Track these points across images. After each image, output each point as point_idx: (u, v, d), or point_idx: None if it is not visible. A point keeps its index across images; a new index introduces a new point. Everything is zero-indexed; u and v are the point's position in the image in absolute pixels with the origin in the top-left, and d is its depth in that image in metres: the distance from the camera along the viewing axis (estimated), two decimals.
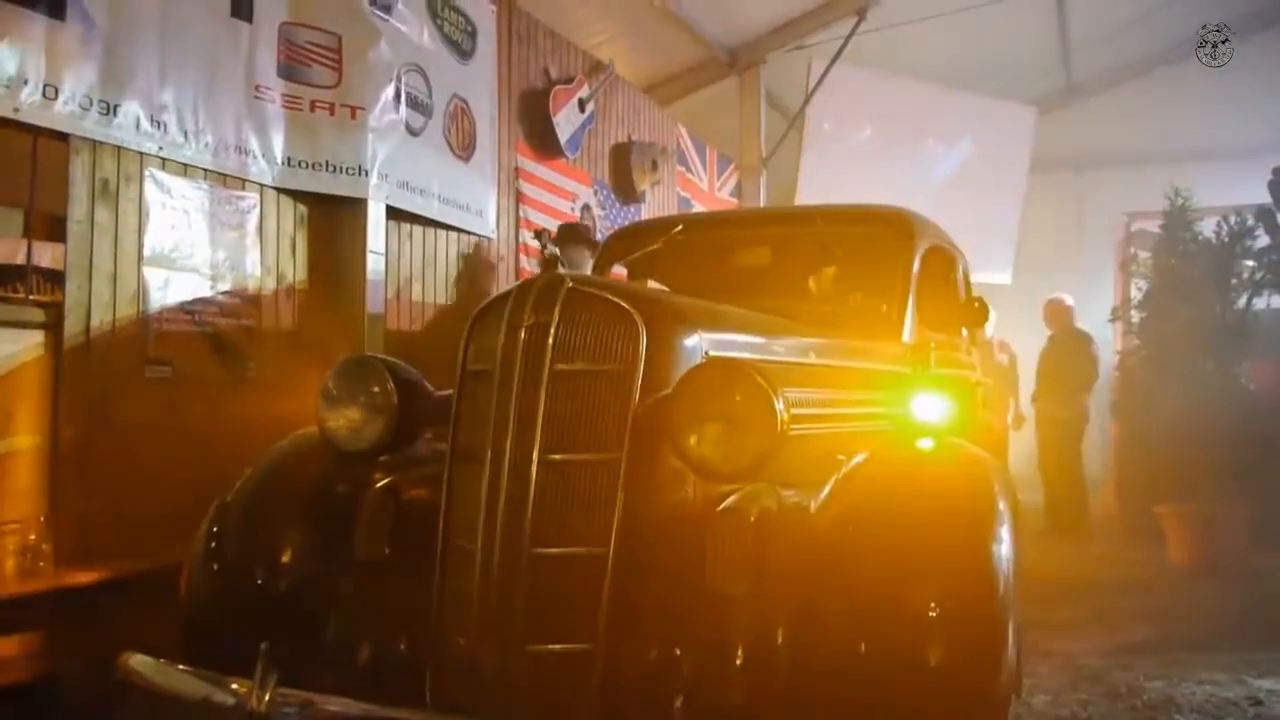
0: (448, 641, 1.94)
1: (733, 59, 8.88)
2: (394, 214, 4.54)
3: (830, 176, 9.15)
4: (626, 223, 6.36)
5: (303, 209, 4.19)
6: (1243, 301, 6.84)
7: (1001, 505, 1.94)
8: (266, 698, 1.74)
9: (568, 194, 6.27)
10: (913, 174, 9.97)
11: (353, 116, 4.22)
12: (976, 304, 3.67)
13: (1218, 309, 6.70)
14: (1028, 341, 8.14)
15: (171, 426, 3.53)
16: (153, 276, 3.52)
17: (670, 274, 3.95)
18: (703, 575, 1.87)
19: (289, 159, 4.05)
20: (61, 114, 3.18)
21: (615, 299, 1.98)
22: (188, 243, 3.66)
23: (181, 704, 1.87)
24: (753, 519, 1.89)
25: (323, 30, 4.16)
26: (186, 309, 3.65)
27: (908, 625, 1.74)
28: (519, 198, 5.69)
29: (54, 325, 3.20)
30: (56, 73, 3.16)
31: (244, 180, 3.89)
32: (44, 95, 3.13)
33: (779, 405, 1.85)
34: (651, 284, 3.91)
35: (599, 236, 6.02)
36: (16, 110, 3.06)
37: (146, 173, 3.49)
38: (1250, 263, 6.89)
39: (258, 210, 3.97)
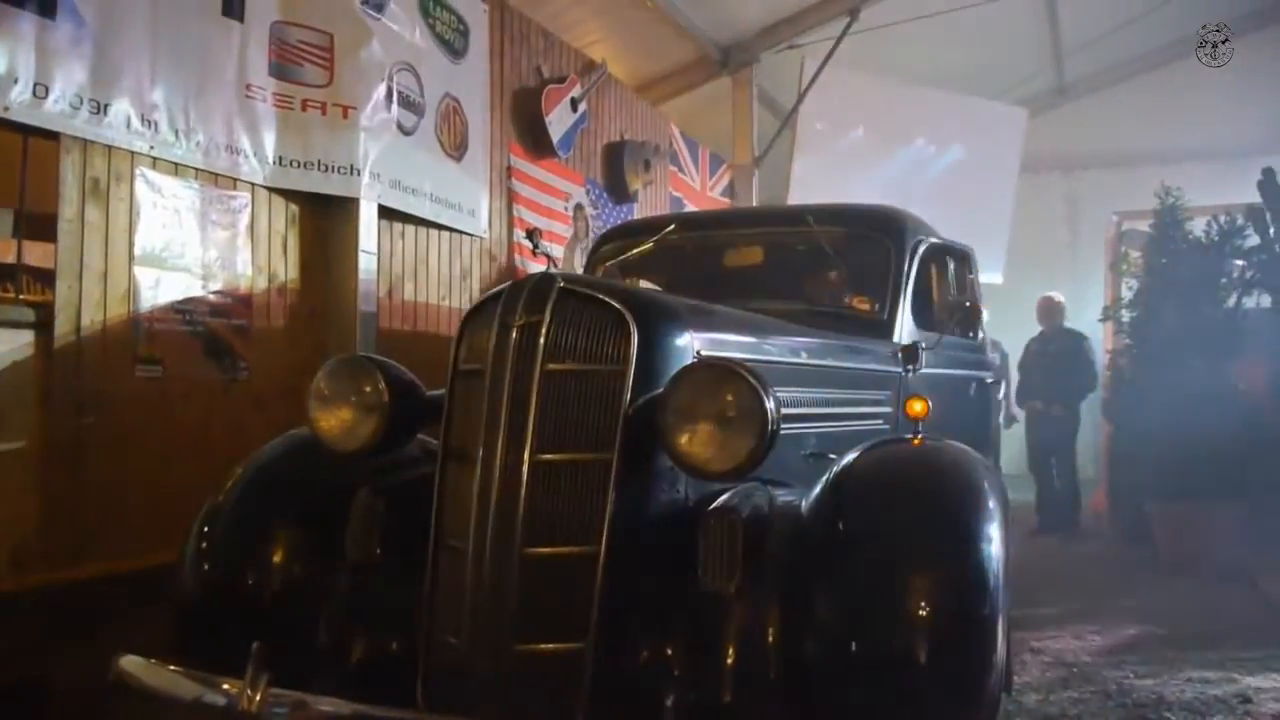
0: (439, 641, 1.94)
1: (725, 58, 8.88)
2: (386, 213, 4.53)
3: (823, 176, 9.17)
4: (618, 222, 6.35)
5: (294, 208, 4.18)
6: (1232, 301, 6.87)
7: (992, 503, 1.94)
8: (258, 698, 1.74)
9: (560, 193, 6.27)
10: (904, 174, 10.00)
11: (344, 116, 4.21)
12: (968, 304, 3.67)
13: (1207, 308, 6.72)
14: (1019, 341, 8.16)
15: (162, 426, 3.53)
16: (144, 276, 3.51)
17: (662, 274, 3.98)
18: (694, 575, 1.88)
19: (280, 158, 4.04)
20: (52, 113, 3.17)
21: (607, 298, 1.99)
22: (179, 242, 3.66)
23: (173, 704, 1.87)
24: (744, 518, 1.90)
25: (314, 29, 4.15)
26: (178, 308, 3.65)
27: (898, 624, 1.74)
28: (511, 197, 5.68)
29: (44, 325, 3.19)
30: (47, 71, 3.15)
31: (235, 179, 3.88)
32: (34, 94, 3.11)
33: (770, 405, 1.85)
34: (643, 284, 3.93)
35: (591, 236, 6.03)
36: (6, 109, 3.04)
37: (137, 172, 3.48)
38: (1240, 262, 6.92)
39: (249, 210, 3.96)
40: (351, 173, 4.23)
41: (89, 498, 3.27)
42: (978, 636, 1.75)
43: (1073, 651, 4.28)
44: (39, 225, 3.29)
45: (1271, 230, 6.82)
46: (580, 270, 5.13)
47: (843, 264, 3.64)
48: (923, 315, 3.63)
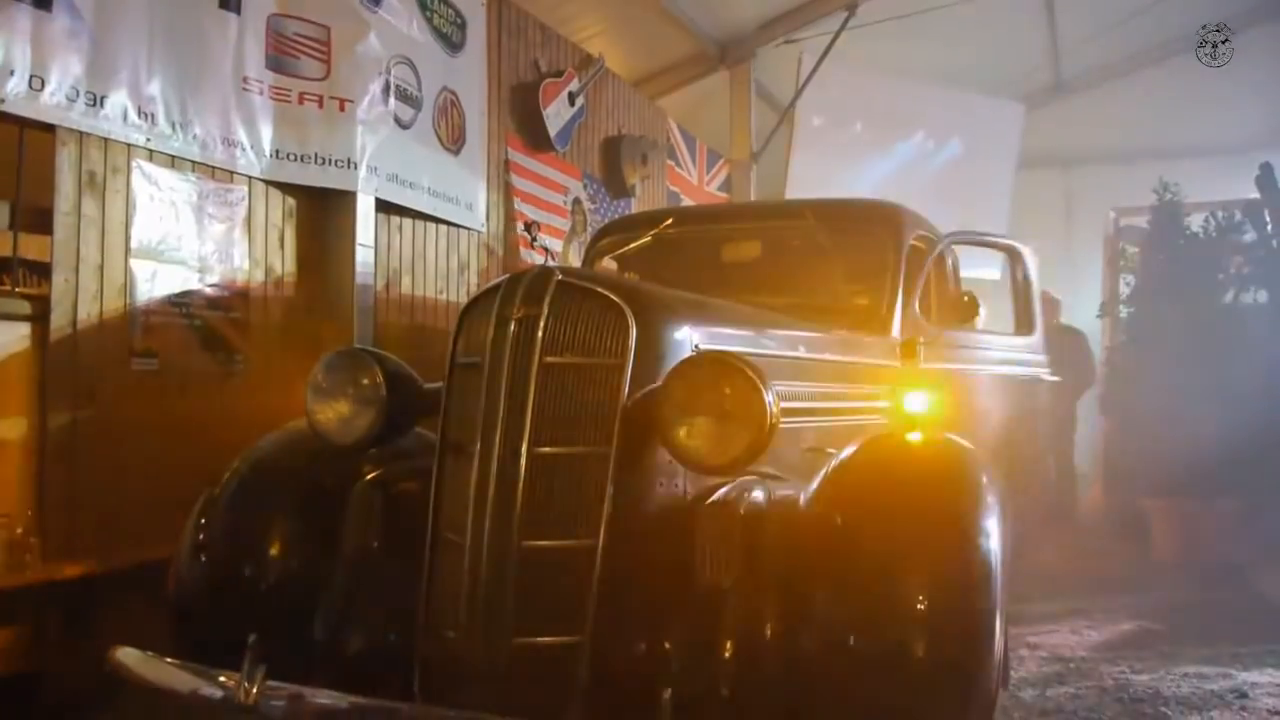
0: (436, 634, 1.94)
1: (723, 53, 8.87)
2: (383, 207, 4.52)
3: (820, 171, 9.15)
4: (615, 217, 6.35)
5: (291, 201, 4.17)
6: (1230, 296, 6.88)
7: (990, 499, 1.94)
8: (255, 690, 1.74)
9: (558, 187, 6.26)
10: (902, 169, 10.00)
11: (341, 109, 4.20)
12: (965, 298, 3.67)
13: (1205, 304, 6.72)
14: None
15: (158, 419, 3.52)
16: (140, 269, 3.50)
17: (660, 268, 3.97)
18: (692, 568, 1.88)
19: (277, 151, 4.03)
20: (48, 105, 3.16)
21: (605, 292, 1.98)
22: (175, 235, 3.64)
23: (169, 697, 1.86)
24: (742, 512, 1.90)
25: (311, 22, 4.13)
26: (174, 301, 3.64)
27: (896, 618, 1.74)
28: (509, 191, 5.68)
29: (40, 317, 3.18)
30: (43, 63, 3.13)
31: (232, 172, 3.87)
32: (30, 86, 3.10)
33: (769, 398, 1.85)
34: (640, 278, 3.92)
35: (589, 230, 6.02)
36: (2, 101, 3.03)
37: (134, 164, 3.47)
38: (1238, 258, 6.93)
39: (246, 203, 3.95)
40: (349, 166, 4.22)
41: (85, 490, 3.26)
42: (975, 631, 1.75)
43: (1069, 647, 4.28)
44: (35, 218, 3.28)
45: (1269, 226, 6.83)
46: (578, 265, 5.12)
47: (840, 258, 3.63)
48: (924, 310, 3.63)
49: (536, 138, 5.93)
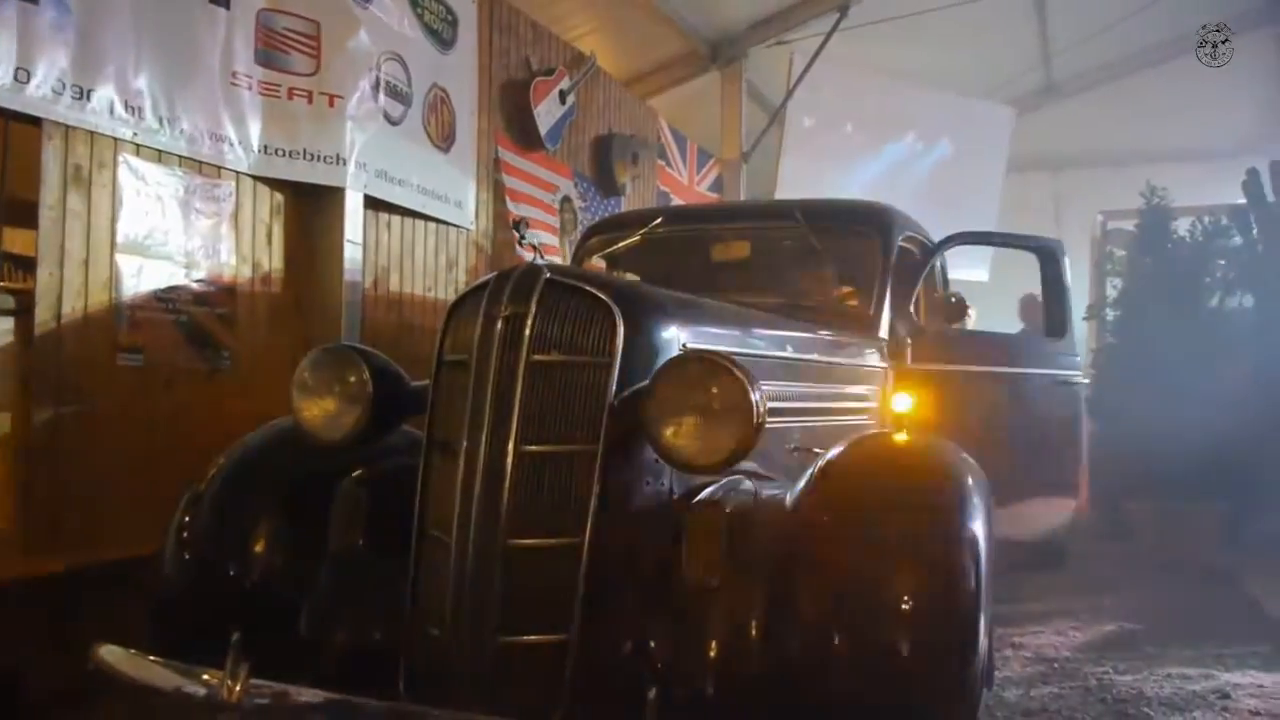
0: (421, 632, 1.94)
1: (715, 53, 8.87)
2: (372, 204, 4.51)
3: (811, 172, 9.17)
4: (605, 216, 6.34)
5: (279, 197, 4.15)
6: (1216, 301, 6.92)
7: (976, 499, 1.95)
8: (238, 688, 1.73)
9: (548, 186, 6.25)
10: (893, 171, 10.04)
11: (331, 105, 4.19)
12: (953, 299, 3.68)
13: (1191, 308, 6.76)
14: None
15: (143, 415, 3.50)
16: (126, 264, 3.48)
17: (649, 267, 3.97)
18: (678, 567, 1.88)
19: (266, 147, 4.02)
20: (34, 98, 3.14)
21: (593, 290, 1.98)
22: (162, 230, 3.63)
23: (153, 695, 1.85)
24: (728, 511, 1.90)
25: (301, 17, 4.12)
26: (160, 297, 3.62)
27: (881, 618, 1.74)
28: (499, 189, 5.67)
29: (24, 312, 3.16)
30: (29, 56, 3.11)
31: (220, 168, 3.86)
32: (15, 79, 3.08)
33: (756, 397, 1.85)
34: (630, 277, 3.92)
35: (579, 229, 6.01)
36: None
37: (120, 159, 3.45)
38: (1223, 262, 6.97)
39: (234, 198, 3.94)
40: (337, 162, 4.21)
41: (69, 487, 3.24)
42: (959, 631, 1.75)
43: (1054, 647, 4.29)
44: (20, 212, 3.26)
45: (1255, 231, 6.87)
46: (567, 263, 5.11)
47: (829, 259, 3.64)
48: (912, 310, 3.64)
49: (527, 136, 5.92)
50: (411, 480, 2.05)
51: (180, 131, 3.66)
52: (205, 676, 1.81)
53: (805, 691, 1.76)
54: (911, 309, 3.68)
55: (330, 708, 1.76)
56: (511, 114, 5.81)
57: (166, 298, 3.65)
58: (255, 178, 4.02)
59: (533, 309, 1.94)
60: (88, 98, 3.30)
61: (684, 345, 2.12)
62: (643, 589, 1.91)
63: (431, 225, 5.05)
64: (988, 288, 9.57)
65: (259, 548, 2.18)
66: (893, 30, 8.44)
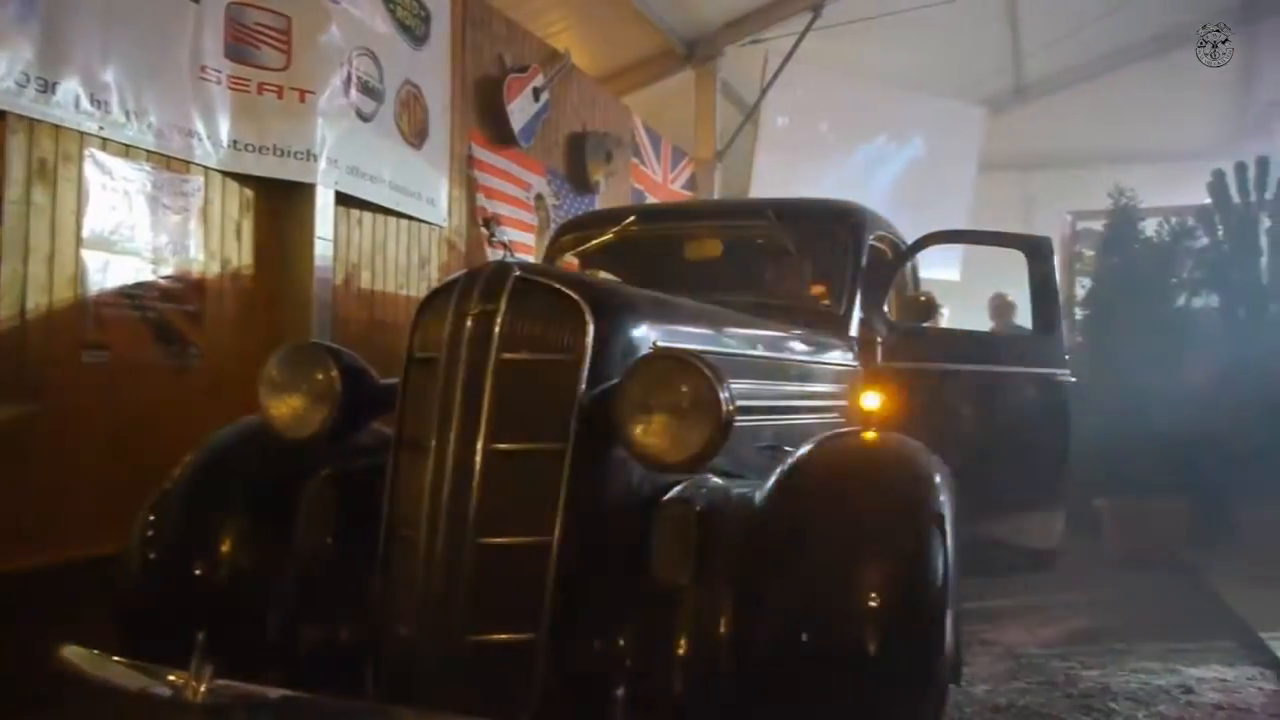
0: (390, 631, 1.92)
1: (689, 51, 8.89)
2: (343, 200, 4.48)
3: (785, 171, 9.23)
4: (578, 213, 6.34)
5: (249, 193, 4.12)
6: (1182, 300, 7.02)
7: (942, 497, 1.96)
8: (203, 688, 1.72)
9: (522, 183, 6.24)
10: (865, 171, 10.12)
11: (301, 100, 4.16)
12: (923, 299, 3.71)
13: (1158, 308, 6.85)
14: None
15: (109, 413, 3.46)
16: (91, 259, 3.44)
17: (622, 265, 3.97)
18: (648, 565, 1.88)
19: (235, 142, 3.98)
20: None
21: (563, 288, 1.98)
22: (128, 225, 3.58)
23: (117, 695, 1.84)
24: (698, 510, 1.90)
25: (272, 11, 4.09)
26: (127, 293, 3.58)
27: (847, 615, 1.75)
28: (472, 186, 5.65)
29: None
30: None
31: (188, 162, 3.82)
32: None
33: (725, 396, 1.86)
34: (603, 275, 3.92)
35: (552, 227, 6.00)
36: None
37: (86, 153, 3.41)
38: (1190, 262, 7.07)
39: (202, 193, 3.90)
40: (308, 158, 4.18)
41: (33, 486, 3.20)
42: (926, 627, 1.76)
43: (1022, 643, 4.35)
44: None
45: (1220, 231, 6.97)
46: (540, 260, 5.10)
47: (801, 257, 3.66)
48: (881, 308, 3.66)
49: (500, 133, 5.91)
50: (380, 479, 2.04)
51: (148, 125, 3.62)
52: (171, 677, 1.79)
53: (773, 689, 1.77)
54: (886, 308, 3.71)
55: (296, 707, 1.75)
56: (485, 110, 5.79)
57: (133, 294, 3.61)
58: (224, 173, 3.98)
59: (502, 307, 1.93)
60: (53, 91, 3.25)
61: (654, 343, 2.12)
62: (612, 587, 1.91)
63: (403, 222, 5.03)
64: (959, 287, 9.66)
65: (225, 547, 2.16)
66: (866, 30, 8.50)
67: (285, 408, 2.21)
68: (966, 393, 3.84)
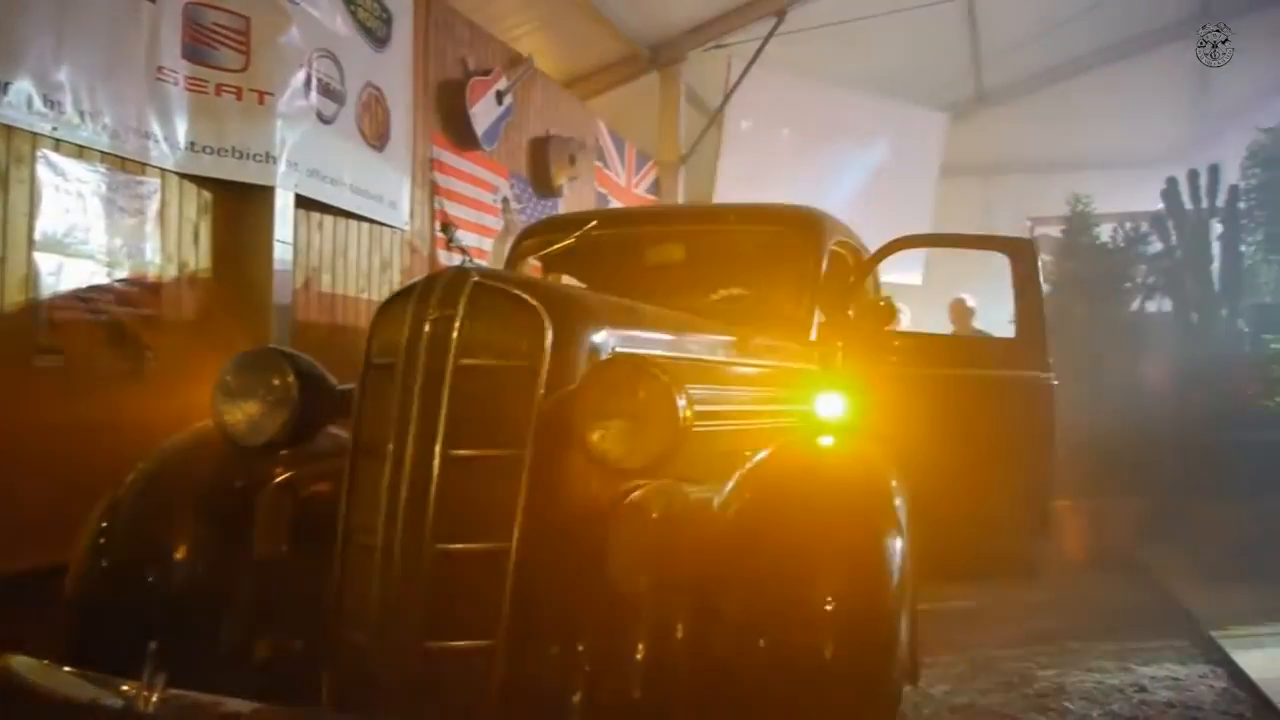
0: (346, 639, 1.91)
1: (653, 56, 8.91)
2: (303, 203, 4.45)
3: (748, 175, 9.26)
4: (540, 217, 6.33)
5: (207, 195, 4.07)
6: (1136, 304, 7.15)
7: (896, 501, 1.99)
8: (154, 699, 1.69)
9: (486, 186, 6.22)
10: (828, 175, 10.17)
11: (261, 101, 4.12)
12: (882, 304, 3.73)
13: (1113, 311, 6.98)
14: None
15: (62, 419, 3.40)
16: (44, 262, 3.39)
17: (584, 270, 3.96)
18: (605, 571, 1.88)
19: (193, 143, 3.94)
20: None
21: (521, 294, 1.97)
22: (83, 228, 3.53)
23: (67, 706, 1.81)
24: (655, 516, 1.90)
25: (230, 12, 4.05)
26: (80, 296, 3.52)
27: (803, 620, 1.77)
28: (434, 189, 5.62)
29: None
30: None
31: (144, 164, 3.77)
32: None
33: (681, 402, 1.87)
34: (565, 279, 3.91)
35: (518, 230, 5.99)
36: None
37: (39, 154, 3.36)
38: (1143, 267, 7.21)
39: (159, 195, 3.85)
40: (267, 160, 4.14)
41: None
42: (879, 630, 1.78)
43: (980, 644, 4.39)
44: None
45: (1173, 237, 7.11)
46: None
47: (761, 263, 3.67)
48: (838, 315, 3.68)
49: (463, 136, 5.89)
50: (337, 485, 2.03)
51: (103, 126, 3.57)
52: (123, 688, 1.77)
53: (729, 693, 1.78)
54: (850, 313, 3.71)
55: (250, 717, 1.74)
56: (447, 113, 5.77)
57: (87, 297, 3.55)
58: (182, 175, 3.94)
59: (460, 313, 1.92)
60: (4, 91, 3.20)
61: (613, 349, 2.12)
62: (570, 594, 1.91)
63: (365, 225, 5.00)
64: (921, 291, 9.74)
65: (179, 554, 2.13)
66: (829, 36, 8.56)
67: (240, 414, 2.19)
68: (937, 397, 3.77)
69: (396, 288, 4.95)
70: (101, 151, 3.59)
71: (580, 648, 1.86)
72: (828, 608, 1.78)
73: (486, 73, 6.08)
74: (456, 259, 5.56)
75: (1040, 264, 4.14)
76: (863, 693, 1.76)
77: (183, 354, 3.88)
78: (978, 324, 8.25)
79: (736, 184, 9.09)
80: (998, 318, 8.50)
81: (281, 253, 4.27)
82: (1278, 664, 3.92)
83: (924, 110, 11.00)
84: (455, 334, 1.91)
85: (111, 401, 3.58)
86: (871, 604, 1.80)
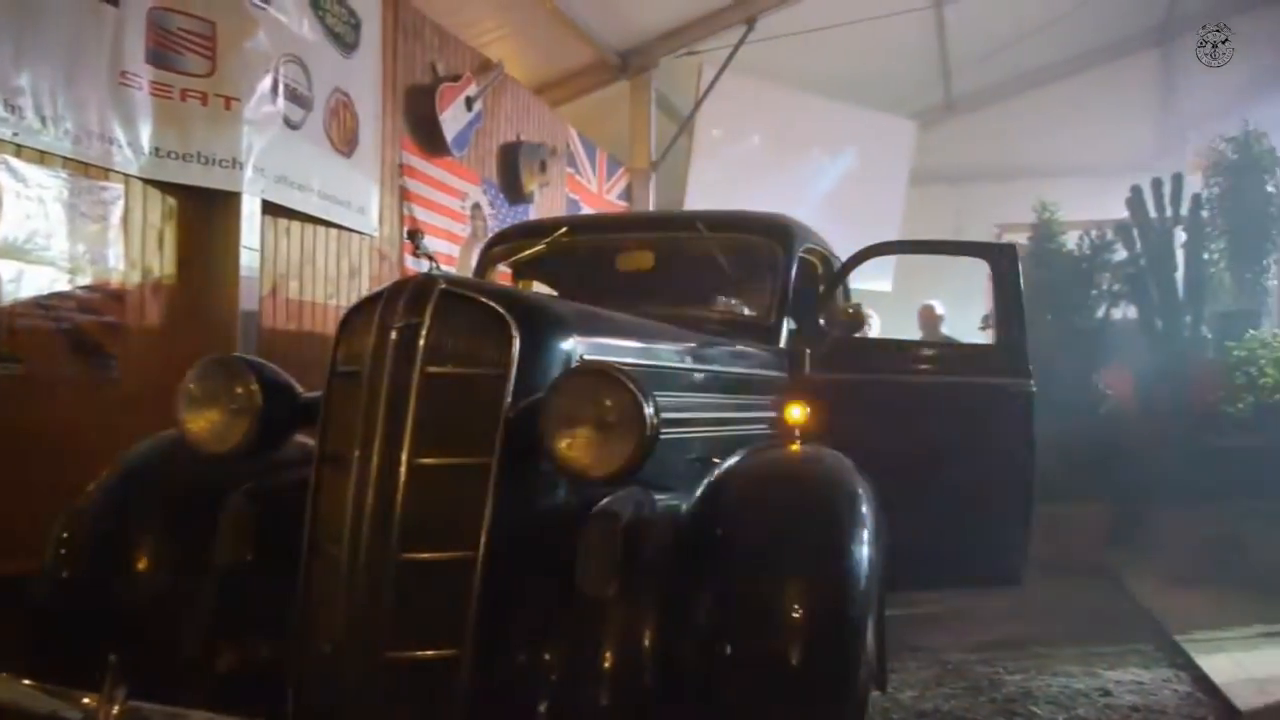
0: (311, 649, 1.89)
1: (624, 62, 8.92)
2: (270, 209, 4.41)
3: (719, 182, 9.30)
4: (510, 224, 6.32)
5: (172, 201, 4.03)
6: (1101, 312, 7.24)
7: (864, 508, 2.00)
8: (115, 710, 1.67)
9: (457, 192, 6.20)
10: (799, 182, 10.24)
11: (227, 107, 4.09)
12: (851, 310, 3.76)
13: (1078, 319, 7.06)
14: None
15: (22, 427, 3.35)
16: (4, 268, 3.35)
17: (554, 276, 3.97)
18: (573, 579, 1.87)
19: (157, 149, 3.90)
20: None
21: (488, 301, 1.97)
22: (44, 233, 3.49)
23: (26, 719, 1.78)
24: (624, 523, 1.90)
25: (196, 17, 4.01)
26: (41, 303, 3.48)
27: (770, 625, 1.78)
28: (404, 195, 5.60)
29: None
30: None
31: (108, 170, 3.73)
32: None
33: (649, 409, 1.86)
34: (535, 286, 3.91)
35: (487, 236, 5.97)
36: None
37: None
38: (1108, 275, 7.30)
39: (122, 201, 3.81)
40: (234, 166, 4.10)
41: None
42: (846, 636, 1.79)
43: (948, 649, 4.42)
44: None
45: (1138, 245, 7.21)
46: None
47: (731, 270, 3.69)
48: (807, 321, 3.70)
49: (432, 142, 5.87)
50: (302, 494, 2.01)
51: (65, 131, 3.53)
52: (84, 700, 1.75)
53: (698, 700, 1.78)
54: (822, 320, 3.73)
55: None
56: (417, 119, 5.75)
57: (48, 304, 3.51)
58: (146, 181, 3.89)
59: (427, 320, 1.91)
60: None
61: (581, 357, 2.12)
62: (538, 602, 1.90)
63: (333, 231, 4.96)
64: (891, 298, 9.82)
65: (141, 565, 2.11)
66: (800, 44, 8.62)
67: (203, 422, 2.16)
68: (910, 404, 3.78)
69: (365, 294, 4.93)
70: (64, 157, 3.54)
71: (547, 656, 1.85)
72: (795, 614, 1.79)
73: (456, 79, 6.06)
74: (425, 266, 5.54)
75: (1021, 270, 4.12)
76: (830, 698, 1.77)
77: (147, 362, 3.83)
78: (946, 330, 8.34)
79: (708, 190, 9.12)
80: (965, 325, 8.63)
81: (248, 259, 4.23)
82: (1241, 668, 3.97)
83: (893, 118, 11.10)
84: (422, 341, 1.90)
85: (74, 410, 3.54)
86: (839, 610, 1.81)
